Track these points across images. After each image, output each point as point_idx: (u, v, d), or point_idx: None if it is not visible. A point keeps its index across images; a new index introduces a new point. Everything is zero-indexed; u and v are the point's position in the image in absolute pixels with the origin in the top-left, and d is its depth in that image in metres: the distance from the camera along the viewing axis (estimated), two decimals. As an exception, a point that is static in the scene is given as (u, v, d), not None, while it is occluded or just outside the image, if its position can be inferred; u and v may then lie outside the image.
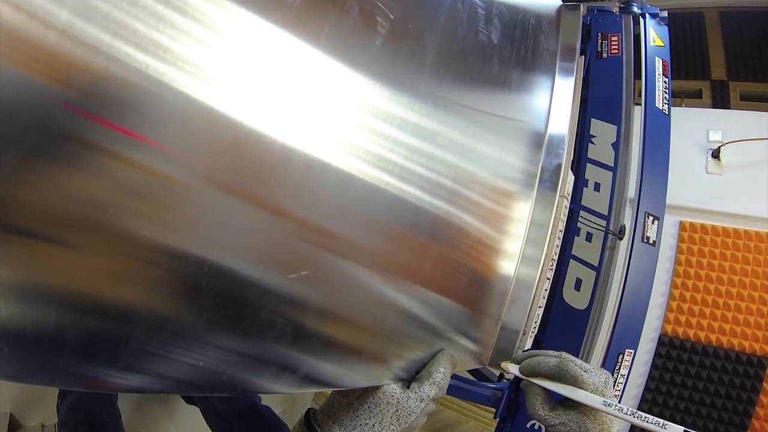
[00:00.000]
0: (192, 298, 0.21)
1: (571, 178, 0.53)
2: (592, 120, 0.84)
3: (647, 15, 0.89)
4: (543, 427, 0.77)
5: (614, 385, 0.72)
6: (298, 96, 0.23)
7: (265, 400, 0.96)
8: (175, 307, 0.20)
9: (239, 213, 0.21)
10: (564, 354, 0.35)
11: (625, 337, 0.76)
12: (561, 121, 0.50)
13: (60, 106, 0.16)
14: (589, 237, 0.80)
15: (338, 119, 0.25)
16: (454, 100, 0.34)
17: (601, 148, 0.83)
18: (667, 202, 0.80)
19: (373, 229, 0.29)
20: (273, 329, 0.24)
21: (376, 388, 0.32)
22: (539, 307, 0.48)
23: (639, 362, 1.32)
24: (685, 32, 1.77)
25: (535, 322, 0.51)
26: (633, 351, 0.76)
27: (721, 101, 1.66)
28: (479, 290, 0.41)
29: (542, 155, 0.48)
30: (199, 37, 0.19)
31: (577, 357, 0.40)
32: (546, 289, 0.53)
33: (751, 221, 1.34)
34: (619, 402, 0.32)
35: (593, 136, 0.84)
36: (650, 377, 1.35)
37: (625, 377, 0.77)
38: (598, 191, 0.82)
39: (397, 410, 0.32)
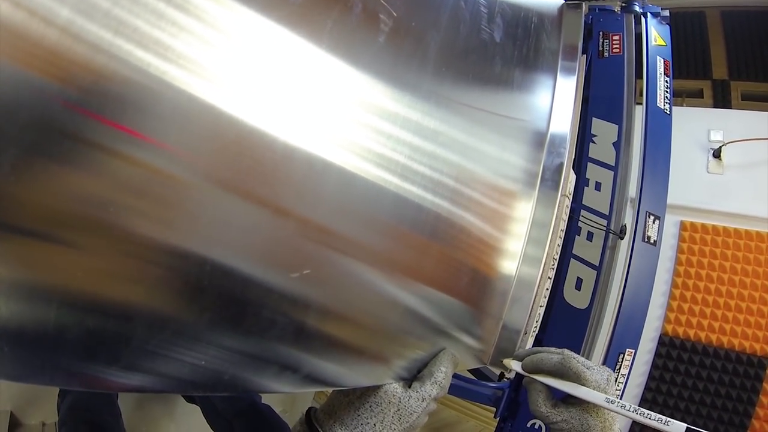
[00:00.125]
0: (193, 298, 0.20)
1: (572, 177, 0.52)
2: (594, 119, 0.84)
3: (649, 14, 0.89)
4: (543, 428, 0.77)
5: (615, 385, 0.72)
6: (300, 94, 0.23)
7: (265, 398, 0.96)
8: (177, 306, 0.20)
9: (241, 212, 0.21)
10: (566, 351, 0.35)
11: (625, 337, 0.76)
12: (563, 121, 0.50)
13: (60, 104, 0.16)
14: (590, 236, 0.80)
15: (340, 118, 0.25)
16: (456, 98, 0.34)
17: (602, 148, 0.83)
18: (668, 201, 0.80)
19: (375, 228, 0.29)
20: (275, 328, 0.24)
21: (378, 387, 0.32)
22: (540, 306, 0.48)
23: (639, 362, 1.32)
24: (686, 31, 1.77)
25: (537, 322, 0.51)
26: (633, 351, 0.76)
27: (722, 101, 1.65)
28: (481, 289, 0.41)
29: (544, 154, 0.48)
30: (200, 35, 0.19)
31: (578, 356, 0.40)
32: (547, 289, 0.52)
33: (751, 221, 1.34)
34: None
35: (594, 136, 0.84)
36: (650, 377, 1.35)
37: (626, 377, 0.77)
38: (599, 190, 0.82)
39: (398, 409, 0.32)
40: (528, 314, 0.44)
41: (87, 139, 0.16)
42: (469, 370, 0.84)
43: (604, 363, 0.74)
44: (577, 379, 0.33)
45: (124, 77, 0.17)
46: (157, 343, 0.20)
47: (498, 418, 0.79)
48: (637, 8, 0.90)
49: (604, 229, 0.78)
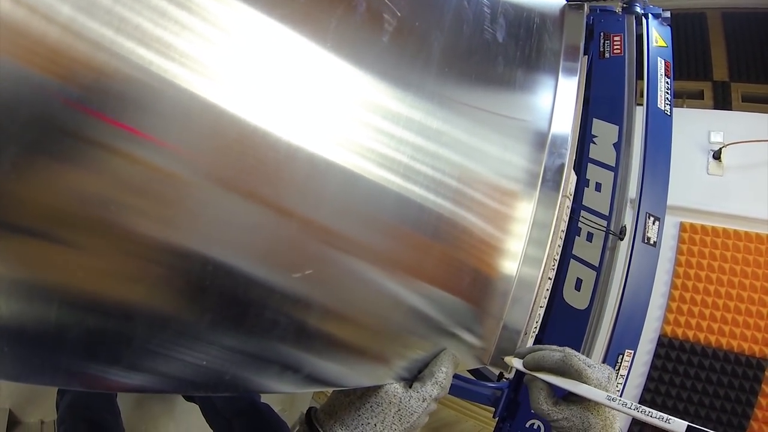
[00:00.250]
0: (195, 297, 0.20)
1: (573, 178, 0.52)
2: (594, 120, 0.84)
3: (650, 15, 0.89)
4: (542, 428, 0.77)
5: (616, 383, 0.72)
6: (303, 93, 0.23)
7: (265, 398, 0.96)
8: (178, 306, 0.20)
9: (243, 211, 0.21)
10: (567, 349, 0.35)
11: (624, 338, 0.76)
12: (564, 121, 0.50)
13: (61, 102, 0.15)
14: (589, 237, 0.80)
15: (343, 117, 0.25)
16: (459, 99, 0.34)
17: (602, 148, 0.83)
18: (668, 202, 0.80)
19: (378, 228, 0.28)
20: (277, 329, 0.24)
21: (379, 387, 0.32)
22: (540, 306, 0.48)
23: (638, 363, 1.32)
24: (687, 33, 1.77)
25: (537, 322, 0.51)
26: (633, 351, 0.76)
27: (722, 102, 1.65)
28: (482, 290, 0.41)
29: (545, 155, 0.48)
30: (203, 33, 0.19)
31: (578, 357, 0.40)
32: (547, 289, 0.52)
33: (751, 223, 1.34)
34: None
35: (595, 136, 0.84)
36: (649, 378, 1.36)
37: (625, 377, 0.77)
38: (600, 191, 0.81)
39: (399, 410, 0.32)
40: (528, 314, 0.44)
41: (88, 137, 0.16)
42: (468, 370, 0.84)
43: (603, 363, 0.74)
44: (578, 376, 0.33)
45: (126, 75, 0.17)
46: (158, 343, 0.19)
47: (497, 418, 0.79)
48: (638, 9, 0.89)
49: (604, 229, 0.78)
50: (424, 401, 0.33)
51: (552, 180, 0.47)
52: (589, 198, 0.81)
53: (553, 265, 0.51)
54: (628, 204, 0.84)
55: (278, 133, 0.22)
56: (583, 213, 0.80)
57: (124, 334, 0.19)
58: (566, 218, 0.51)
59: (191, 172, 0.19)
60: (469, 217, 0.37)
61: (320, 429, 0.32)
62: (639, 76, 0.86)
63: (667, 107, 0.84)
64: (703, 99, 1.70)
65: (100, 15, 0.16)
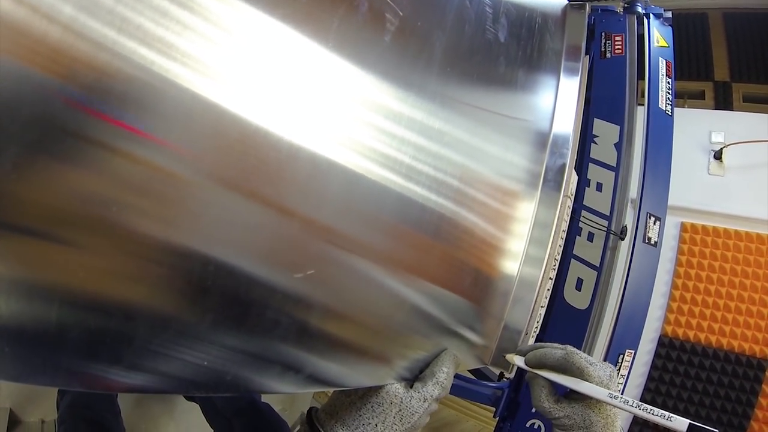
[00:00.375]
0: (196, 297, 0.20)
1: (574, 178, 0.52)
2: (595, 120, 0.84)
3: (651, 15, 0.89)
4: (542, 427, 0.77)
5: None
6: (305, 93, 0.23)
7: (265, 397, 0.96)
8: (179, 306, 0.20)
9: (245, 211, 0.21)
10: (569, 347, 0.35)
11: (625, 338, 0.76)
12: (566, 121, 0.50)
13: (62, 102, 0.15)
14: (590, 237, 0.80)
15: (345, 117, 0.25)
16: (461, 99, 0.34)
17: (603, 148, 0.83)
18: (669, 203, 0.80)
19: (379, 228, 0.28)
20: (278, 329, 0.24)
21: (380, 387, 0.32)
22: (541, 307, 0.48)
23: (638, 363, 1.32)
24: (688, 33, 1.77)
25: (537, 322, 0.51)
26: (633, 351, 0.76)
27: (723, 103, 1.65)
28: (483, 290, 0.41)
29: (546, 155, 0.48)
30: (204, 33, 0.19)
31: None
32: (548, 289, 0.52)
33: (752, 223, 1.34)
34: None
35: (596, 136, 0.84)
36: (649, 378, 1.36)
37: (625, 377, 0.77)
38: (601, 191, 0.81)
39: (400, 410, 0.32)
40: (529, 314, 0.44)
41: (89, 136, 0.16)
42: (469, 370, 0.84)
43: (604, 363, 0.74)
44: (580, 374, 0.33)
45: (128, 75, 0.17)
46: (159, 343, 0.19)
47: (497, 418, 0.79)
48: (639, 9, 0.89)
49: (605, 229, 0.78)
50: (425, 401, 0.33)
51: (553, 180, 0.47)
52: (590, 198, 0.81)
53: (554, 265, 0.51)
54: (629, 204, 0.83)
55: (280, 132, 0.22)
56: (584, 213, 0.80)
57: (125, 334, 0.19)
58: (567, 218, 0.51)
59: (193, 172, 0.19)
60: (470, 217, 0.37)
61: (321, 429, 0.32)
62: (640, 76, 0.86)
63: (668, 107, 0.84)
64: (704, 99, 1.69)
65: (101, 15, 0.16)
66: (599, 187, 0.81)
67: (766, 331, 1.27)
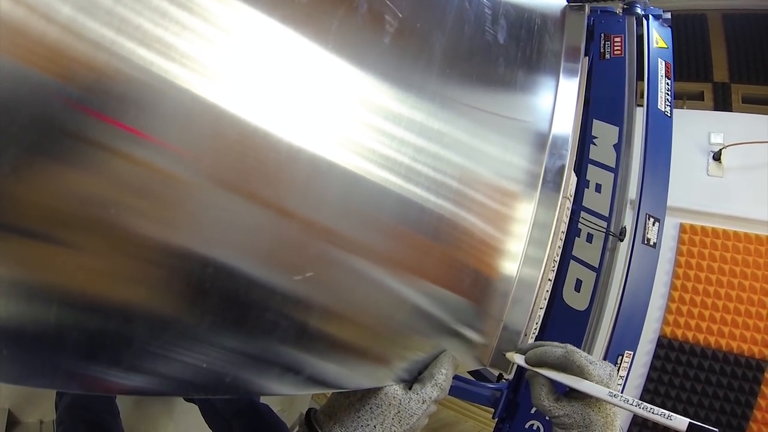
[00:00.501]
0: (196, 299, 0.20)
1: (573, 179, 0.52)
2: (594, 121, 0.84)
3: (650, 16, 0.89)
4: (541, 428, 0.77)
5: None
6: (304, 95, 0.23)
7: (264, 398, 0.96)
8: (179, 307, 0.20)
9: (244, 213, 0.21)
10: (569, 345, 0.35)
11: (624, 339, 0.76)
12: (565, 122, 0.50)
13: (61, 102, 0.15)
14: (589, 238, 0.80)
15: (345, 118, 0.25)
16: (461, 100, 0.34)
17: (602, 150, 0.83)
18: (668, 204, 0.80)
19: (379, 229, 0.28)
20: (277, 331, 0.24)
21: (378, 389, 0.32)
22: (540, 308, 0.48)
23: (637, 363, 1.32)
24: (687, 34, 1.77)
25: (536, 323, 0.51)
26: (632, 352, 0.76)
27: (722, 104, 1.65)
28: (482, 291, 0.41)
29: (546, 156, 0.48)
30: (204, 34, 0.19)
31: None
32: (548, 290, 0.52)
33: (751, 224, 1.34)
34: None
35: (595, 137, 0.84)
36: (648, 379, 1.36)
37: (624, 378, 0.77)
38: (600, 192, 0.81)
39: (398, 411, 0.32)
40: (529, 315, 0.44)
41: (88, 137, 0.16)
42: (468, 371, 0.84)
43: (603, 364, 0.74)
44: (580, 372, 0.33)
45: (126, 75, 0.17)
46: (158, 345, 0.19)
47: (496, 419, 0.79)
48: (638, 10, 0.89)
49: (604, 230, 0.78)
50: (423, 403, 0.33)
51: (552, 181, 0.47)
52: (589, 199, 0.81)
53: (553, 266, 0.51)
54: (628, 205, 0.84)
55: (279, 134, 0.22)
56: (583, 214, 0.80)
57: (124, 335, 0.18)
58: (566, 219, 0.51)
59: (192, 174, 0.19)
60: (469, 218, 0.37)
61: (320, 430, 0.32)
62: (639, 77, 0.86)
63: (668, 108, 0.84)
64: (703, 100, 1.70)
65: (100, 15, 0.16)
66: (598, 188, 0.81)
67: (765, 332, 1.28)
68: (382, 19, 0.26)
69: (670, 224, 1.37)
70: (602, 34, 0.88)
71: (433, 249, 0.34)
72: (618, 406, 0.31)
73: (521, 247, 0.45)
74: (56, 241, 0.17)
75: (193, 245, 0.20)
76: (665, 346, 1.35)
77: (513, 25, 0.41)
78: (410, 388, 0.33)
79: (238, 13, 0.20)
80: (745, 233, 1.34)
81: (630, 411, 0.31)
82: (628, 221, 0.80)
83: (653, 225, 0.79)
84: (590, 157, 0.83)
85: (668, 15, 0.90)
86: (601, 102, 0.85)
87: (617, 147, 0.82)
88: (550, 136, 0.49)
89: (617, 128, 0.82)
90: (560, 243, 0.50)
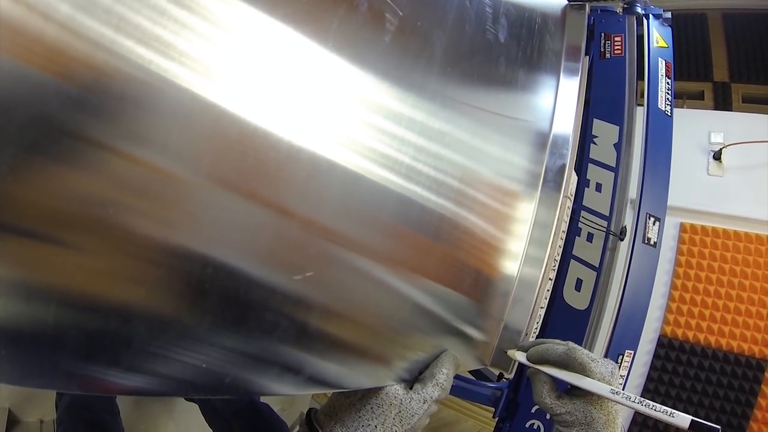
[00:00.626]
0: (195, 299, 0.20)
1: (574, 178, 0.52)
2: (594, 120, 0.84)
3: (651, 16, 0.89)
4: (542, 428, 0.77)
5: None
6: (304, 94, 0.23)
7: (264, 398, 0.96)
8: (178, 307, 0.20)
9: (244, 212, 0.21)
10: (571, 343, 0.34)
11: (624, 338, 0.76)
12: (565, 122, 0.50)
13: (60, 101, 0.15)
14: (590, 237, 0.80)
15: (345, 118, 0.25)
16: (461, 99, 0.34)
17: (603, 149, 0.83)
18: (668, 203, 0.80)
19: (379, 229, 0.28)
20: (277, 330, 0.23)
21: (379, 388, 0.32)
22: (541, 307, 0.48)
23: (637, 363, 1.32)
24: (687, 34, 1.77)
25: (537, 323, 0.51)
26: (633, 352, 0.76)
27: (723, 103, 1.65)
28: (483, 290, 0.41)
29: (546, 155, 0.48)
30: (203, 33, 0.19)
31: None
32: (548, 290, 0.52)
33: (751, 224, 1.34)
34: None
35: (595, 137, 0.84)
36: (649, 378, 1.36)
37: (624, 378, 0.77)
38: (600, 192, 0.81)
39: (399, 411, 0.32)
40: (529, 315, 0.44)
41: (87, 137, 0.16)
42: (468, 371, 0.84)
43: (603, 364, 0.74)
44: (582, 370, 0.32)
45: (125, 74, 0.16)
46: (158, 345, 0.19)
47: (497, 418, 0.79)
48: (639, 10, 0.89)
49: (605, 230, 0.78)
50: (424, 403, 0.33)
51: (553, 180, 0.47)
52: (590, 198, 0.81)
53: (554, 266, 0.51)
54: (629, 204, 0.83)
55: (279, 133, 0.22)
56: (583, 213, 0.80)
57: (123, 336, 0.18)
58: (567, 219, 0.51)
59: (191, 173, 0.19)
60: (470, 218, 0.37)
61: (320, 430, 0.32)
62: (640, 76, 0.86)
63: (668, 108, 0.84)
64: (703, 100, 1.70)
65: (98, 13, 0.15)
66: (598, 187, 0.81)
67: (765, 332, 1.28)
68: (382, 17, 0.26)
69: (671, 224, 1.38)
70: (602, 34, 0.88)
71: (434, 248, 0.34)
72: (620, 403, 0.31)
73: (522, 247, 0.45)
74: (55, 241, 0.17)
75: (193, 245, 0.20)
76: (665, 346, 1.36)
77: (514, 23, 0.41)
78: (411, 388, 0.33)
79: (238, 12, 0.20)
80: (745, 233, 1.34)
81: (632, 408, 0.31)
82: (628, 221, 0.80)
83: (653, 224, 0.79)
84: (590, 156, 0.83)
85: (668, 14, 0.90)
86: (602, 101, 0.85)
87: (617, 146, 0.82)
88: (551, 136, 0.49)
89: (617, 127, 0.82)
90: (561, 242, 0.50)
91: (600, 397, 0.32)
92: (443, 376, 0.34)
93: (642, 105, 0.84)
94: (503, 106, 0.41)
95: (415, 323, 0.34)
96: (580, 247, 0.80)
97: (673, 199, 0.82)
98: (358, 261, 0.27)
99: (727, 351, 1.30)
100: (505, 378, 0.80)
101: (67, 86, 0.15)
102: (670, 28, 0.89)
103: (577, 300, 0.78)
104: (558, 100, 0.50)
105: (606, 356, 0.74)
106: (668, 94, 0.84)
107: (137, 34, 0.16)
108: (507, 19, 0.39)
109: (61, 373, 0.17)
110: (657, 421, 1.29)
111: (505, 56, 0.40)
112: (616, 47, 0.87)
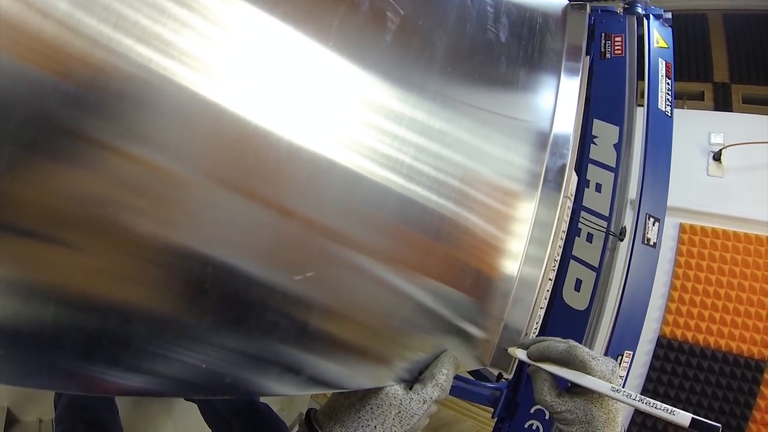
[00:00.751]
0: (195, 299, 0.20)
1: (574, 178, 0.52)
2: (595, 120, 0.84)
3: (651, 16, 0.89)
4: (541, 428, 0.77)
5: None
6: (305, 93, 0.23)
7: (263, 398, 0.96)
8: (178, 307, 0.20)
9: (244, 212, 0.21)
10: (571, 341, 0.34)
11: (624, 339, 0.76)
12: (566, 122, 0.50)
13: (58, 99, 0.15)
14: (589, 238, 0.80)
15: (346, 117, 0.25)
16: (462, 99, 0.34)
17: (603, 149, 0.83)
18: (668, 204, 0.80)
19: (380, 228, 0.28)
20: (278, 330, 0.23)
21: (379, 389, 0.32)
22: (541, 307, 0.48)
23: (637, 364, 1.32)
24: (688, 34, 1.77)
25: (537, 323, 0.51)
26: (632, 352, 0.76)
27: (723, 104, 1.66)
28: (483, 290, 0.41)
29: (547, 155, 0.48)
30: (203, 31, 0.18)
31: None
32: (548, 290, 0.52)
33: (751, 224, 1.35)
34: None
35: (595, 137, 0.84)
36: (648, 379, 1.36)
37: (623, 379, 0.77)
38: (600, 192, 0.81)
39: (399, 411, 0.31)
40: (529, 315, 0.44)
41: (85, 135, 0.16)
42: (467, 371, 0.84)
43: (602, 364, 0.74)
44: (582, 367, 0.32)
45: (124, 73, 0.16)
46: (157, 345, 0.19)
47: (496, 419, 0.79)
48: (639, 10, 0.89)
49: (604, 230, 0.78)
50: (424, 403, 0.32)
51: (553, 180, 0.47)
52: (590, 199, 0.81)
53: (554, 266, 0.51)
54: (628, 205, 0.83)
55: (280, 132, 0.21)
56: (583, 214, 0.80)
57: (122, 335, 0.18)
58: (567, 218, 0.51)
59: (191, 172, 0.19)
60: (471, 218, 0.36)
61: (320, 430, 0.32)
62: (640, 76, 0.86)
63: (668, 108, 0.84)
64: (703, 100, 1.70)
65: (97, 11, 0.15)
66: (598, 187, 0.81)
67: (765, 333, 1.28)
68: (383, 16, 0.26)
69: (670, 224, 1.38)
70: (603, 34, 0.88)
71: (435, 248, 0.34)
72: (621, 401, 0.31)
73: (522, 247, 0.45)
74: (54, 240, 0.16)
75: (193, 244, 0.20)
76: (665, 346, 1.36)
77: (515, 23, 0.41)
78: (411, 389, 0.33)
79: (238, 10, 0.20)
80: (745, 233, 1.34)
81: (633, 406, 0.31)
82: (628, 221, 0.80)
83: (653, 225, 0.79)
84: (590, 156, 0.83)
85: (669, 15, 0.90)
86: (602, 101, 0.85)
87: (617, 146, 0.82)
88: (551, 136, 0.49)
89: (618, 128, 0.82)
90: (561, 242, 0.50)
91: (600, 395, 0.32)
92: (443, 376, 0.34)
93: (642, 105, 0.84)
94: (504, 106, 0.41)
95: (416, 323, 0.34)
96: (580, 248, 0.80)
97: (672, 200, 0.82)
98: (358, 261, 0.27)
99: (726, 352, 1.30)
100: (504, 378, 0.80)
101: (66, 84, 0.15)
102: (670, 29, 0.89)
103: (577, 300, 0.78)
104: (559, 100, 0.50)
105: (605, 356, 0.74)
106: (668, 94, 0.84)
107: (136, 32, 0.16)
108: (508, 19, 0.39)
109: (59, 372, 0.17)
110: (656, 421, 1.29)
111: (506, 56, 0.40)
112: (616, 47, 0.87)
